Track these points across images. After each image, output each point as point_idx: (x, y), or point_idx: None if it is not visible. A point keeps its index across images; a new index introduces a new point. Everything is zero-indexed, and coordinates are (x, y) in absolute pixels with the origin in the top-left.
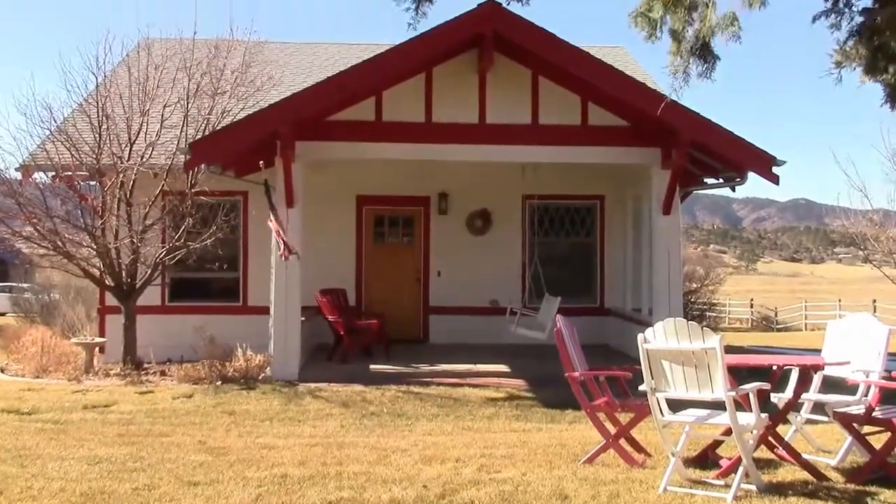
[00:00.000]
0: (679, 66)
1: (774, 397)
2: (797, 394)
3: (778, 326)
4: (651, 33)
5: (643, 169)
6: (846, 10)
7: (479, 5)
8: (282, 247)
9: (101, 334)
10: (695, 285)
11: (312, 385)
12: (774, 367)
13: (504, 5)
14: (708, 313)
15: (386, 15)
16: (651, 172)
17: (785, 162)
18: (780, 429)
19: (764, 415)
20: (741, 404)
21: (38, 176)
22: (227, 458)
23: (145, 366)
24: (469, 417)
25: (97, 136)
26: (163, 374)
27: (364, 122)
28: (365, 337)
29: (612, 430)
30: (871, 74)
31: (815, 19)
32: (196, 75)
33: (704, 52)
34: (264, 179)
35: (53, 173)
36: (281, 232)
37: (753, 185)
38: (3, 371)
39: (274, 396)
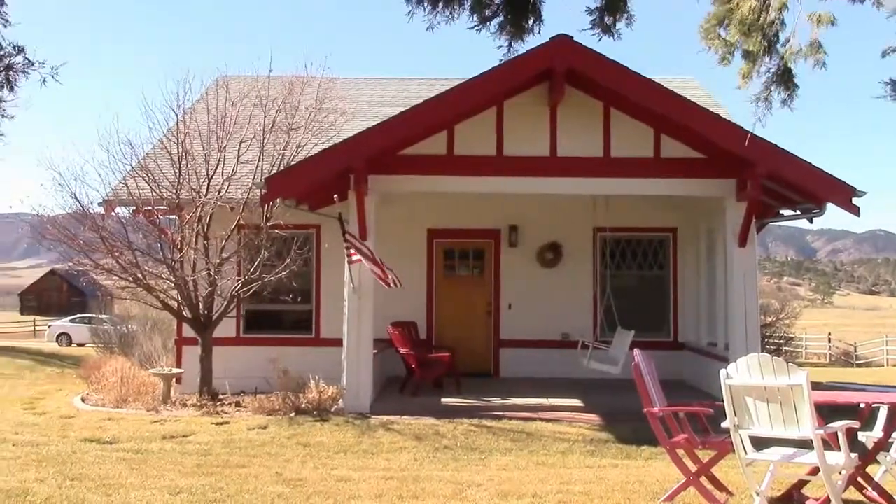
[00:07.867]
0: (761, 94)
1: (862, 436)
2: (887, 433)
3: (858, 362)
4: (725, 57)
5: (717, 201)
6: None
7: (549, 39)
8: (379, 273)
9: (178, 365)
10: (770, 319)
11: (385, 418)
12: (862, 405)
13: (573, 39)
14: (784, 348)
15: (462, 49)
16: (725, 204)
17: (865, 193)
18: (869, 469)
19: (853, 454)
20: (828, 443)
21: (120, 210)
22: (303, 489)
23: (220, 397)
24: (543, 452)
25: (177, 171)
26: (238, 405)
27: (436, 155)
28: (436, 370)
29: (692, 467)
30: None
31: (884, 55)
32: (271, 112)
33: (786, 79)
34: (338, 213)
35: (134, 208)
36: (374, 261)
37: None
38: (84, 401)
39: (347, 429)
